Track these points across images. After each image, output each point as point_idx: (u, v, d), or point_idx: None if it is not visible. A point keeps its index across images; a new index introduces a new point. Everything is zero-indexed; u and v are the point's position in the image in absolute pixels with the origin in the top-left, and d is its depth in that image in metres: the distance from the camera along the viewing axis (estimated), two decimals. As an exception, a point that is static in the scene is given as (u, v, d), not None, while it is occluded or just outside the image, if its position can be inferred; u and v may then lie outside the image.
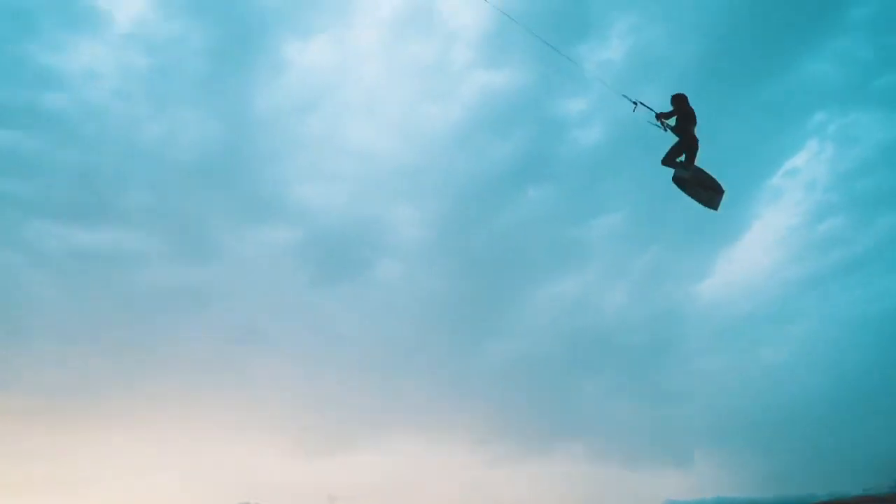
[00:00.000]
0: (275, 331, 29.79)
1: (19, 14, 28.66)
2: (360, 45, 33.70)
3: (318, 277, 31.37)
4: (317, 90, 33.22)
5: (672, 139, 12.53)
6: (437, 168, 32.84)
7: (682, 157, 12.50)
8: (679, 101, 12.41)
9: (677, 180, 12.60)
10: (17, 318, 27.47)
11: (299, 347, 29.48)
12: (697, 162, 12.48)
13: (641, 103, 12.32)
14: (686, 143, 12.45)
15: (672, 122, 12.48)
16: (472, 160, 32.71)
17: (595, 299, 30.58)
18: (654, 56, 30.35)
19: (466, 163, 32.74)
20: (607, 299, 30.13)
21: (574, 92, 31.99)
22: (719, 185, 12.65)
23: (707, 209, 12.71)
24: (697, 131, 12.45)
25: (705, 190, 12.63)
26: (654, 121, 12.38)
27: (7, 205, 28.10)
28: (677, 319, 28.94)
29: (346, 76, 33.99)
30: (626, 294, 29.91)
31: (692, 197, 12.61)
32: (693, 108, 12.35)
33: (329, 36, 33.39)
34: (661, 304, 29.43)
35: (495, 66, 33.05)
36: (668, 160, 12.58)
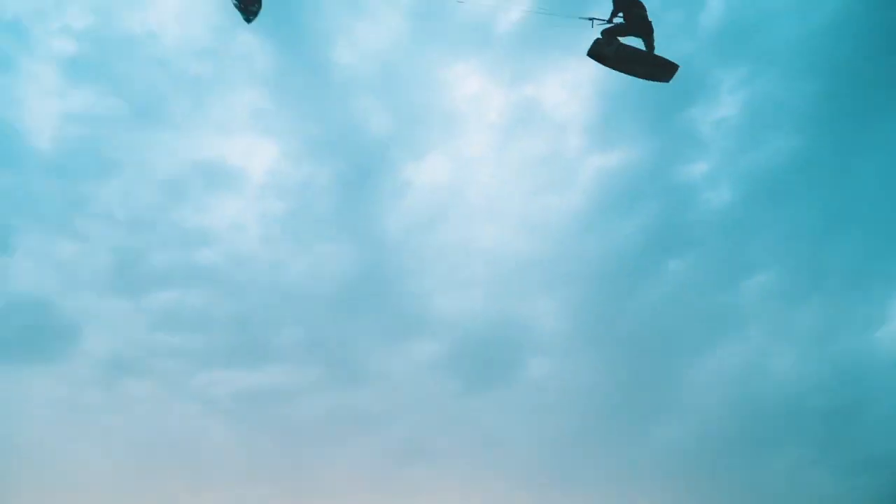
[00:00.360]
0: (434, 444, 30.45)
1: (173, 185, 31.02)
2: (472, 152, 34.41)
3: (470, 385, 32.07)
4: (439, 203, 34.02)
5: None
6: (567, 256, 33.47)
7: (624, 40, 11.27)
8: None
9: (593, 54, 11.42)
10: (197, 464, 28.47)
11: (460, 458, 30.01)
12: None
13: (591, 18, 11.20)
14: (632, 26, 11.21)
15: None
16: (601, 242, 33.27)
17: (761, 365, 30.28)
18: (770, 103, 30.62)
19: (597, 246, 33.30)
20: (775, 363, 29.88)
21: (693, 156, 32.36)
22: (670, 63, 11.54)
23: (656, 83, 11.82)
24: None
25: (646, 66, 11.54)
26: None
27: (179, 359, 29.35)
28: (859, 373, 28.48)
29: (465, 184, 34.77)
30: (796, 355, 29.56)
31: (627, 73, 11.53)
32: None
33: (441, 150, 34.22)
34: (838, 359, 28.86)
35: (607, 148, 33.70)
36: (605, 36, 11.25)
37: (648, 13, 11.21)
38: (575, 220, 33.15)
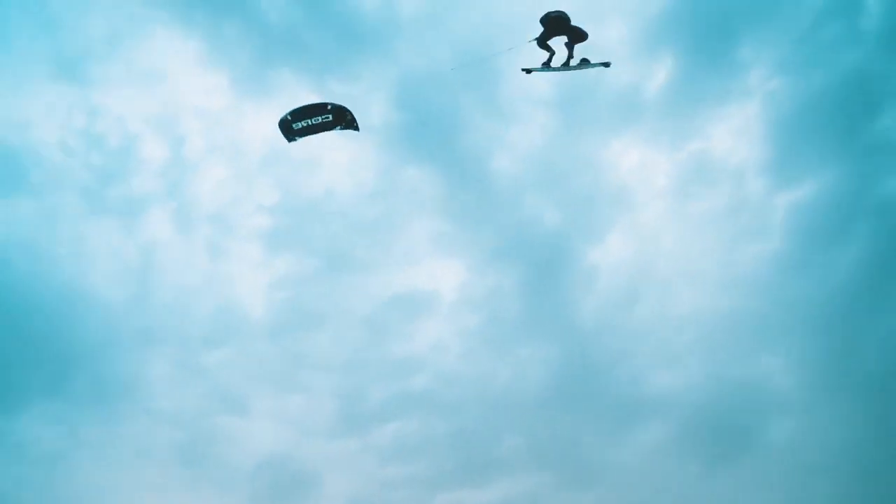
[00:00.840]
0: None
1: (375, 323, 33.00)
2: (650, 221, 33.48)
3: (710, 462, 29.97)
4: (629, 279, 33.17)
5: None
6: (779, 304, 31.05)
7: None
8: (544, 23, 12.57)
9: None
10: None
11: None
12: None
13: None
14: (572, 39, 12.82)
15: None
16: (814, 282, 30.58)
17: None
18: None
19: (810, 287, 30.63)
20: None
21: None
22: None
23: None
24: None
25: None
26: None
27: (412, 488, 29.88)
28: None
29: (651, 254, 33.77)
30: None
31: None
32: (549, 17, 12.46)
33: (619, 228, 33.60)
34: None
35: (794, 182, 31.47)
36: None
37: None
38: (778, 264, 31.07)
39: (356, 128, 14.41)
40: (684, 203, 33.23)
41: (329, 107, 14.45)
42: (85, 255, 30.98)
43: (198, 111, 32.05)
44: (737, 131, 32.17)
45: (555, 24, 12.73)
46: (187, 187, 32.48)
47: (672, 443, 30.36)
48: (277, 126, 14.64)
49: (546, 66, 13.31)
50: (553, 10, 12.65)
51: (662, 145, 33.12)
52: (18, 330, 28.27)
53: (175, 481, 29.12)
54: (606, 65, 13.51)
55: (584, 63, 13.34)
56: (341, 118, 14.41)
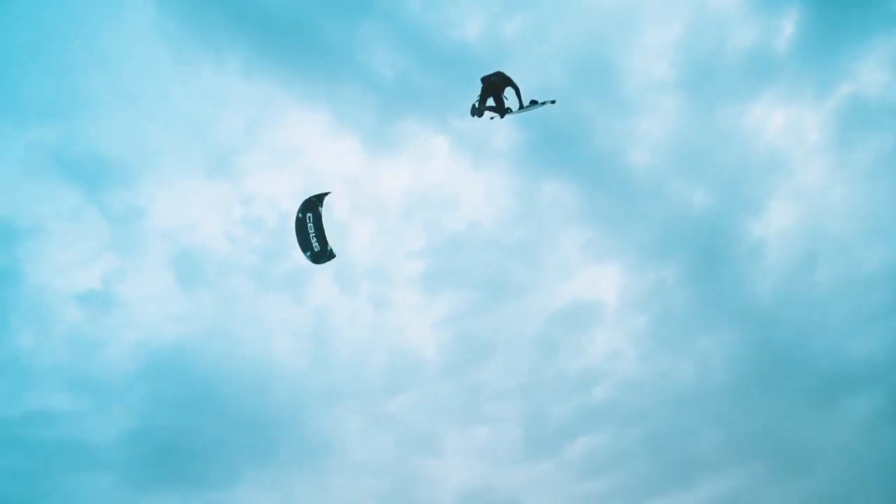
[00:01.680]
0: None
1: (544, 341, 33.34)
2: (811, 179, 31.40)
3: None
4: (802, 244, 31.16)
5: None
6: None
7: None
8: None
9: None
10: None
11: None
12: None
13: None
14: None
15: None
16: None
17: None
18: None
19: None
20: None
21: None
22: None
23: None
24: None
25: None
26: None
27: (616, 499, 30.10)
28: None
29: (819, 214, 31.57)
30: None
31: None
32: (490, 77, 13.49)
33: (778, 195, 31.78)
34: None
35: None
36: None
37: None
38: None
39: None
40: (846, 153, 30.84)
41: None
42: (265, 331, 33.38)
43: (337, 175, 33.98)
44: (889, 62, 29.58)
45: (498, 80, 13.75)
46: (342, 249, 34.21)
47: (886, 412, 27.94)
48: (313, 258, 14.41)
49: (499, 111, 14.03)
50: (491, 73, 13.80)
51: (807, 98, 31.05)
52: (221, 409, 30.76)
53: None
54: (552, 102, 14.01)
55: (533, 104, 13.96)
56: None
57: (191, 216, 33.86)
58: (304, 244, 14.11)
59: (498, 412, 32.51)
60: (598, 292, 33.70)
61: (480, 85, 13.75)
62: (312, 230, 14.19)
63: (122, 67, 32.43)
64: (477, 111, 13.88)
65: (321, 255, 14.09)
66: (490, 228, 33.71)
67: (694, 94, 31.55)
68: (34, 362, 29.35)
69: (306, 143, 34.85)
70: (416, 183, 34.27)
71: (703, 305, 31.90)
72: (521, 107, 13.88)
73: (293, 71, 32.22)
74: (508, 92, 13.86)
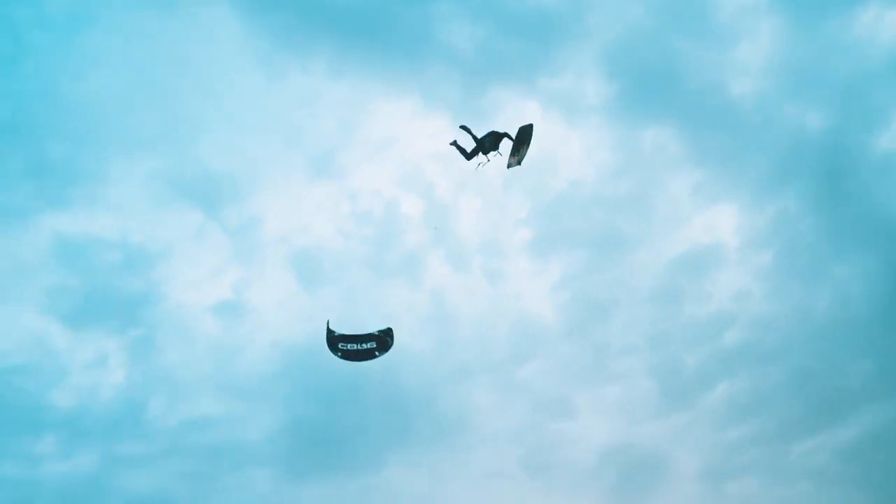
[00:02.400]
0: None
1: (666, 294, 32.52)
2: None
3: None
4: None
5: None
6: None
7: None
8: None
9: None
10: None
11: None
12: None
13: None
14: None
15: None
16: None
17: None
18: None
19: None
20: None
21: None
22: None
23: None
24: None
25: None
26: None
27: (761, 444, 29.53)
28: None
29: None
30: None
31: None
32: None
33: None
34: None
35: None
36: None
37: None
38: None
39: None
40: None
41: (374, 334, 15.66)
42: (387, 318, 34.15)
43: (434, 157, 34.40)
44: None
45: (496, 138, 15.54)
46: (451, 227, 34.64)
47: None
48: (326, 338, 15.75)
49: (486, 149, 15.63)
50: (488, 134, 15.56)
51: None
52: (358, 398, 31.77)
53: (530, 492, 30.69)
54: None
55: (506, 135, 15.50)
56: (383, 345, 15.62)
57: (302, 218, 35.11)
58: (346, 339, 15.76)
59: (627, 368, 32.23)
60: (717, 234, 32.55)
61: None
62: (356, 348, 15.75)
63: (218, 88, 34.11)
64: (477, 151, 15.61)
65: (333, 343, 15.72)
66: (593, 185, 33.22)
67: (792, 11, 29.79)
68: (184, 374, 31.56)
69: (399, 130, 35.33)
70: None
71: (831, 232, 30.21)
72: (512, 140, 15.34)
73: (375, 63, 32.78)
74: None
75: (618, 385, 32.14)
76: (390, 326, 15.89)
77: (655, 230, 32.96)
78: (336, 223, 34.32)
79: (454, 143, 16.12)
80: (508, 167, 15.57)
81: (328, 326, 15.88)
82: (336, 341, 15.76)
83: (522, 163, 15.59)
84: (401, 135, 35.38)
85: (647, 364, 31.84)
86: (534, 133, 15.26)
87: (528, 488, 30.67)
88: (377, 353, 15.76)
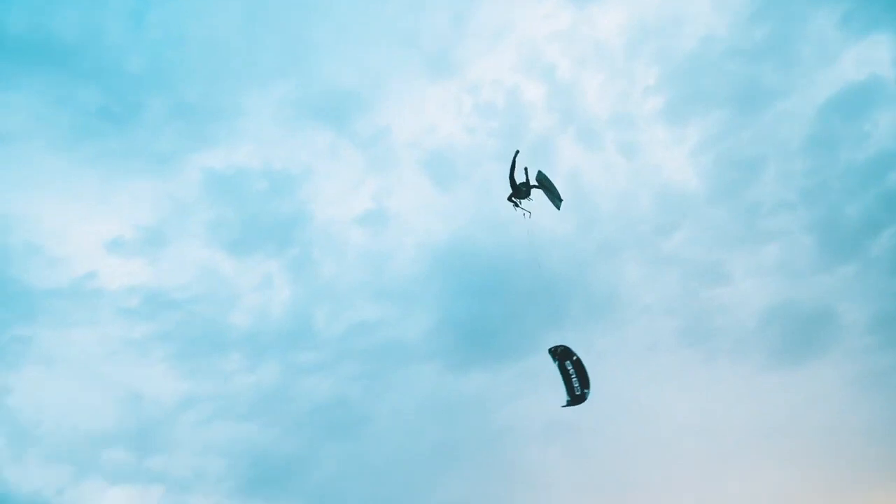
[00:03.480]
0: None
1: (818, 140, 30.51)
2: None
3: None
4: None
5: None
6: None
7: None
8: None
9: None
10: None
11: None
12: None
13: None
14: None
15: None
16: None
17: None
18: None
19: None
20: None
21: None
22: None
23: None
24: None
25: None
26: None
27: None
28: None
29: None
30: None
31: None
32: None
33: None
34: None
35: None
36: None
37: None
38: None
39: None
40: None
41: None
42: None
43: (551, 37, 33.36)
44: None
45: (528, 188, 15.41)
46: (576, 100, 33.98)
47: None
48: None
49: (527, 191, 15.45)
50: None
51: None
52: (506, 287, 32.12)
53: (689, 362, 30.58)
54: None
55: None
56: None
57: (428, 120, 35.32)
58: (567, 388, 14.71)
59: (783, 225, 30.81)
60: (872, 68, 29.75)
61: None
62: (574, 374, 14.74)
63: (328, 6, 34.42)
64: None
65: (580, 398, 14.56)
66: (726, 37, 31.06)
67: None
68: (341, 284, 33.53)
69: (512, 16, 34.48)
70: (634, 15, 32.51)
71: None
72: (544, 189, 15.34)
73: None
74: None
75: (773, 244, 30.95)
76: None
77: (801, 74, 30.55)
78: (461, 120, 34.52)
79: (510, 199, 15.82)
80: (558, 209, 15.56)
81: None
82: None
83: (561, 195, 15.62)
84: (514, 19, 34.62)
85: (804, 219, 30.36)
86: (546, 175, 15.46)
87: (685, 358, 30.65)
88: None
